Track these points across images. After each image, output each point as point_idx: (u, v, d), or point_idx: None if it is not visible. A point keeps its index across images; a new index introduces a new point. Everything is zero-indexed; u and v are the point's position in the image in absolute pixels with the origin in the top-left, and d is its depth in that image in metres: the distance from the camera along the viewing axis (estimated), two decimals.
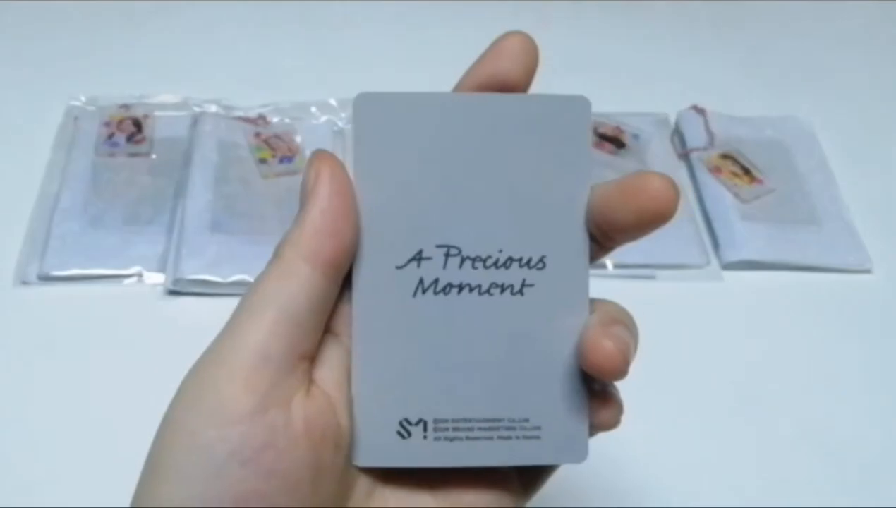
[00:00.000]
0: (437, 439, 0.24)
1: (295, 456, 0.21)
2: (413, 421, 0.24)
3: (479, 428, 0.24)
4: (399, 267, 0.23)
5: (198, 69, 0.60)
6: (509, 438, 0.24)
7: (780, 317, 0.49)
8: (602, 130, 0.57)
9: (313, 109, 0.57)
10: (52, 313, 0.46)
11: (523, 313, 0.24)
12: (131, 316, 0.46)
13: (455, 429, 0.24)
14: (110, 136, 0.54)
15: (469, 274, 0.24)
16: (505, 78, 0.24)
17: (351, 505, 0.23)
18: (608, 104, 0.58)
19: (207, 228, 0.49)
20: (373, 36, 0.65)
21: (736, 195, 0.54)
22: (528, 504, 0.26)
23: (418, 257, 0.23)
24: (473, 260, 0.24)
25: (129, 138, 0.54)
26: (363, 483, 0.24)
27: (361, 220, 0.23)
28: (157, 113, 0.56)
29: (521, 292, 0.24)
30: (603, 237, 0.24)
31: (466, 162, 0.23)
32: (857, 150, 0.59)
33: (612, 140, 0.57)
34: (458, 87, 0.24)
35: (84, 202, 0.50)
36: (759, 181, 0.55)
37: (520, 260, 0.24)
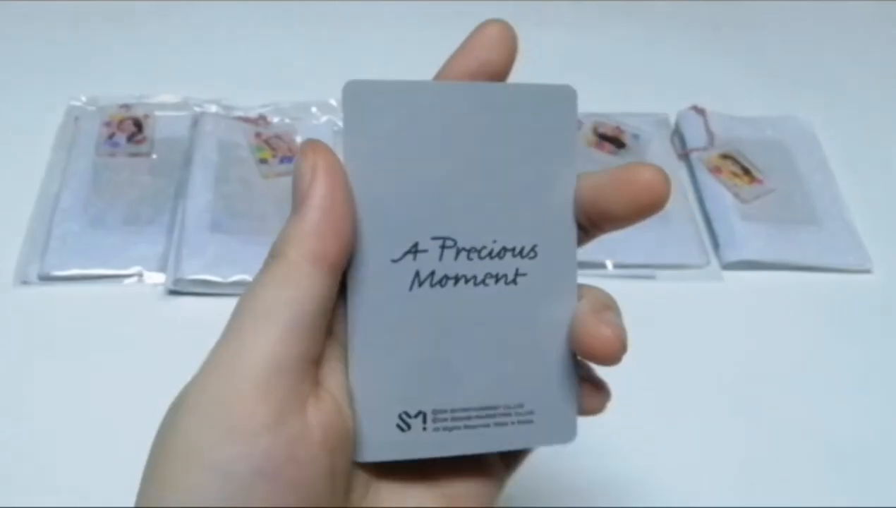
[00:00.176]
0: (436, 430, 0.24)
1: (314, 466, 0.21)
2: (412, 413, 0.24)
3: (477, 416, 0.24)
4: (395, 261, 0.23)
5: (198, 69, 0.60)
6: (505, 424, 0.24)
7: (780, 317, 0.49)
8: (602, 130, 0.57)
9: (314, 109, 0.57)
10: (53, 313, 0.46)
11: (517, 302, 0.24)
12: (132, 316, 0.46)
13: (454, 419, 0.24)
14: (111, 136, 0.54)
15: (464, 266, 0.24)
16: (486, 66, 0.24)
17: (351, 505, 0.23)
18: (608, 104, 0.58)
19: (208, 228, 0.49)
20: (373, 36, 0.65)
21: (736, 195, 0.54)
22: (532, 505, 0.26)
23: (414, 250, 0.23)
24: (469, 251, 0.24)
25: (130, 138, 0.54)
26: (360, 480, 0.24)
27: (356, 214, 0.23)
28: (157, 113, 0.56)
29: (514, 281, 0.24)
30: (590, 225, 0.24)
31: (457, 151, 0.23)
32: (857, 150, 0.59)
33: (612, 140, 0.57)
34: (440, 77, 0.24)
35: (84, 202, 0.50)
36: (759, 181, 0.55)
37: (513, 249, 0.24)
